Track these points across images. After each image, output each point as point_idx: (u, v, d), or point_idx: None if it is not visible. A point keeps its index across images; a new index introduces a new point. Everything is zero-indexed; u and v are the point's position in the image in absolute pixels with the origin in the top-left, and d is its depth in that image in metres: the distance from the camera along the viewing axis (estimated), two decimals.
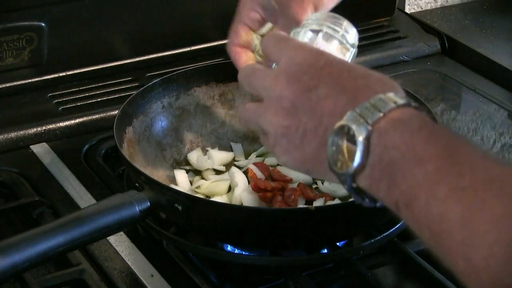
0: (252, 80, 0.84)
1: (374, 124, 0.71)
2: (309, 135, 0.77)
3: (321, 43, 0.91)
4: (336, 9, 1.09)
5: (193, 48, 1.55)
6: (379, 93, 0.73)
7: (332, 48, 0.92)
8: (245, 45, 1.11)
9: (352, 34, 0.93)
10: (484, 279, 0.62)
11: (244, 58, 1.11)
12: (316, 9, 1.05)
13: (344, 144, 0.73)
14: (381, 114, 0.71)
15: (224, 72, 1.29)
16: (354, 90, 0.75)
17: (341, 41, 0.92)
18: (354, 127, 0.72)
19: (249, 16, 1.09)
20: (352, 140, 0.72)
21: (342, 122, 0.73)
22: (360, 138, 0.71)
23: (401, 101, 0.72)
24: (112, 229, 0.97)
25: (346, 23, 0.93)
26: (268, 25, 1.12)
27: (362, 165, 0.72)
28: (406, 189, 0.68)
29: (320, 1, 1.05)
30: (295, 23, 1.02)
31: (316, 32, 0.92)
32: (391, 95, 0.73)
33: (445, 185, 0.65)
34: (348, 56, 0.93)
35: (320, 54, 0.80)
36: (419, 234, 0.69)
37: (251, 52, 1.12)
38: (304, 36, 0.93)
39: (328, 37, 0.92)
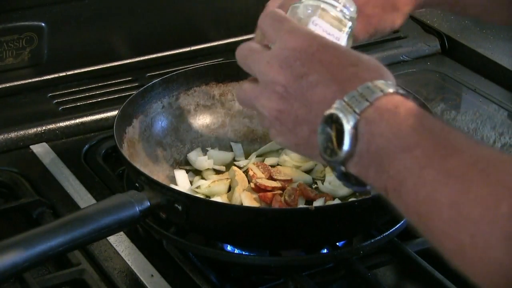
0: (248, 61, 0.86)
1: (361, 113, 0.73)
2: (301, 120, 0.79)
3: (317, 20, 0.90)
4: None
5: (193, 48, 1.55)
6: (368, 81, 0.74)
7: (329, 24, 0.90)
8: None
9: (350, 8, 0.91)
10: (471, 257, 0.63)
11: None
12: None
13: (333, 132, 0.74)
14: (367, 103, 0.73)
15: (224, 72, 1.29)
16: (343, 79, 0.77)
17: (337, 17, 0.90)
18: (341, 116, 0.73)
19: None
20: (340, 128, 0.73)
21: (330, 111, 0.74)
22: (348, 127, 0.73)
23: (388, 89, 0.74)
24: (112, 229, 0.97)
25: None
26: None
27: (350, 153, 0.73)
28: (394, 174, 0.70)
29: None
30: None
31: (314, 7, 0.90)
32: (378, 83, 0.74)
33: (432, 168, 0.67)
34: (345, 31, 0.90)
35: (313, 39, 0.82)
36: (407, 217, 0.70)
37: None
38: (302, 11, 0.91)
39: (326, 13, 0.90)
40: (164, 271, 1.07)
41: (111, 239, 1.11)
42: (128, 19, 1.49)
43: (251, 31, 1.63)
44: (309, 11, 0.90)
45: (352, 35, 0.91)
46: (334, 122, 0.74)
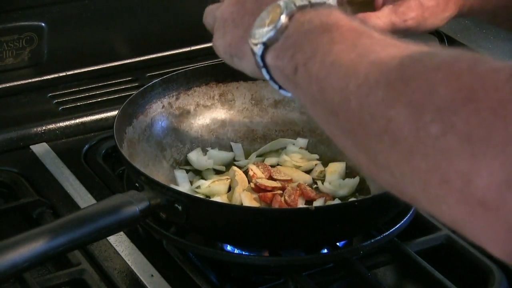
0: (211, 12, 0.96)
1: (300, 8, 0.80)
2: (247, 17, 0.87)
3: None
4: None
5: (193, 48, 1.55)
6: None
7: None
8: None
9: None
10: (354, 107, 0.68)
11: None
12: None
13: (269, 17, 0.81)
14: (308, 4, 0.80)
15: (224, 72, 1.29)
16: None
17: None
18: (282, 5, 0.80)
19: None
20: (277, 15, 0.80)
21: (275, 3, 0.81)
22: (282, 16, 0.80)
23: (332, 4, 0.80)
24: (112, 229, 0.97)
25: None
26: None
27: (275, 37, 0.80)
28: (308, 51, 0.76)
29: None
30: None
31: None
32: None
33: (343, 43, 0.73)
34: None
35: None
36: (307, 93, 0.75)
37: None
38: None
39: None
40: (164, 271, 1.07)
41: (111, 239, 1.11)
42: (128, 19, 1.49)
43: None
44: None
45: None
46: (274, 11, 0.81)
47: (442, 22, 1.13)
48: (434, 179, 0.60)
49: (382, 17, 1.09)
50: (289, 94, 0.82)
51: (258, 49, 0.81)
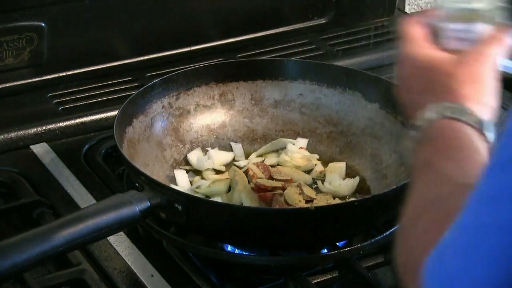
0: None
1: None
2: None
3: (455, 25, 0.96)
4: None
5: (193, 48, 1.55)
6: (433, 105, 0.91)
7: (460, 23, 0.95)
8: None
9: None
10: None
11: None
12: None
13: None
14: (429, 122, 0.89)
15: (224, 72, 1.29)
16: (434, 92, 0.93)
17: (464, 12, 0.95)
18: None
19: None
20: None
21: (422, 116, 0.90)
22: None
23: (445, 113, 0.89)
24: (112, 229, 0.97)
25: None
26: None
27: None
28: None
29: None
30: None
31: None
32: (439, 107, 0.90)
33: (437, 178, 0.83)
34: (478, 18, 0.95)
35: (412, 65, 0.97)
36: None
37: None
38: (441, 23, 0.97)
39: (459, 17, 0.95)
40: (164, 271, 1.07)
41: (111, 239, 1.11)
42: (128, 19, 1.49)
43: (251, 31, 1.64)
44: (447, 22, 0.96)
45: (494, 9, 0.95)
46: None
47: None
48: None
49: None
50: None
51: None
